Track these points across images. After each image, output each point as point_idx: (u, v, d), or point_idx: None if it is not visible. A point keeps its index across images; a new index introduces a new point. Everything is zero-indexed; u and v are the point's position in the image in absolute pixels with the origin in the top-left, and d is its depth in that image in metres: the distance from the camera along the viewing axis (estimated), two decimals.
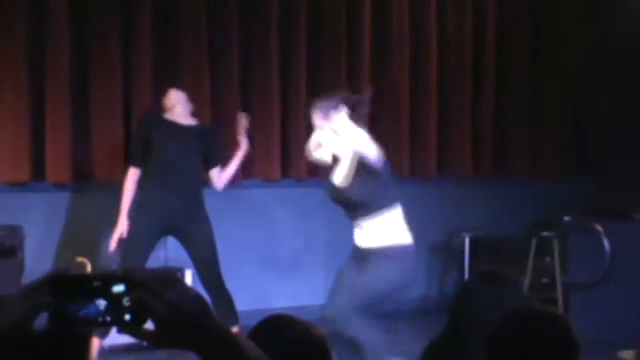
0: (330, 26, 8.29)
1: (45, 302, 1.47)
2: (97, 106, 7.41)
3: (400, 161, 8.55)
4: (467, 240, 8.66)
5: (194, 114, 6.55)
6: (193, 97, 7.64)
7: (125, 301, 1.46)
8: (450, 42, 8.90)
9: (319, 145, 5.45)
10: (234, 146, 6.66)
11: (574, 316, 7.38)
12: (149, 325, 1.46)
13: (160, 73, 7.59)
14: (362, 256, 5.29)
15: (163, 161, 6.22)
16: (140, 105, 7.50)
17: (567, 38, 9.42)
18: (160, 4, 7.62)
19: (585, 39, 9.45)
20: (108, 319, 1.47)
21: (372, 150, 5.27)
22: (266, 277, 8.12)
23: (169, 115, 6.38)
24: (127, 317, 1.46)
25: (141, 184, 6.30)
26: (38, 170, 7.23)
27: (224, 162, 6.56)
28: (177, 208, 6.20)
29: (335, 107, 5.29)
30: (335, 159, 5.41)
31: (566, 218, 8.05)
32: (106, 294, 1.47)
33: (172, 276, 1.47)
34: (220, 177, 6.52)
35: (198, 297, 1.46)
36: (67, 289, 1.47)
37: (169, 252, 7.70)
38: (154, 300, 1.43)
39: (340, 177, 5.34)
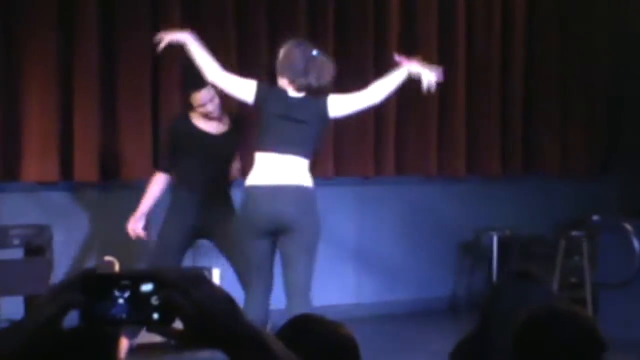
0: (357, 23, 8.28)
1: (74, 301, 1.47)
2: (125, 105, 7.43)
3: (428, 160, 8.53)
4: (495, 240, 8.62)
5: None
6: (221, 94, 7.67)
7: (154, 300, 1.46)
8: (478, 38, 8.86)
9: None
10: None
11: (602, 316, 7.34)
12: (177, 324, 1.46)
13: None
14: None
15: (192, 167, 6.23)
16: (168, 105, 7.51)
17: (597, 36, 9.36)
18: (189, 2, 7.63)
19: (616, 37, 9.39)
20: (136, 317, 1.47)
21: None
22: None
23: (197, 117, 6.35)
24: (155, 316, 1.46)
25: (171, 190, 6.32)
26: (66, 169, 7.26)
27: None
28: (207, 212, 6.21)
29: None
30: None
31: (595, 217, 8.01)
32: (135, 292, 1.47)
33: (201, 276, 1.47)
34: (236, 169, 6.53)
35: (226, 296, 1.45)
36: (96, 288, 1.48)
37: (197, 251, 7.72)
38: (182, 300, 1.42)
39: None
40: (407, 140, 8.59)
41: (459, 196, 8.74)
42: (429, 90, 5.86)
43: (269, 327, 6.01)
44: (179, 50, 7.54)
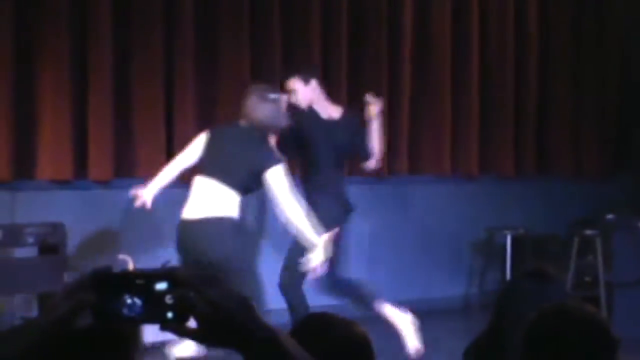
0: (372, 26, 8.27)
1: (88, 299, 1.47)
2: (139, 104, 7.45)
3: (442, 159, 8.52)
4: (508, 239, 8.61)
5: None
6: (234, 94, 7.66)
7: (168, 299, 1.46)
8: (491, 39, 8.85)
9: None
10: None
11: (616, 314, 7.32)
12: (191, 323, 1.46)
13: (202, 71, 7.62)
14: None
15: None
16: (181, 103, 7.52)
17: (610, 36, 9.33)
18: (202, 3, 7.64)
19: (629, 37, 9.36)
20: (150, 316, 1.48)
21: None
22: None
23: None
24: (169, 315, 1.47)
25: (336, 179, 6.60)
26: (80, 168, 7.28)
27: None
28: None
29: None
30: None
31: (609, 216, 7.99)
32: (149, 291, 1.47)
33: (215, 275, 1.47)
34: None
35: (240, 295, 1.46)
36: (111, 287, 1.48)
37: None
38: (196, 299, 1.43)
39: None
40: (421, 139, 8.58)
41: (473, 195, 8.73)
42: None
43: None
44: (192, 48, 7.58)
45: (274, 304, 6.07)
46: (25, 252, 6.65)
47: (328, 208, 6.37)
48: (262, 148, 5.81)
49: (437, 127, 8.57)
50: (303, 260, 5.92)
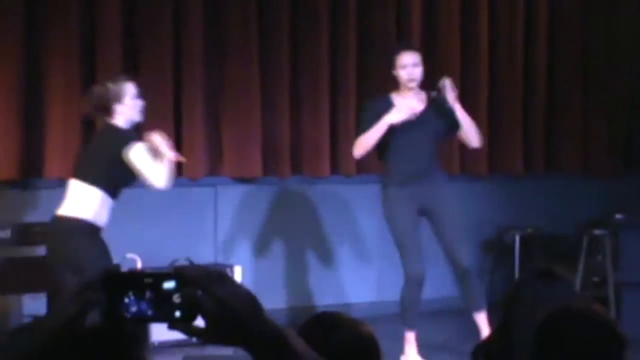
0: (380, 21, 8.26)
1: (97, 298, 1.48)
2: (148, 102, 7.43)
3: (451, 158, 8.50)
4: (517, 238, 8.59)
5: None
6: (242, 90, 7.68)
7: (176, 298, 1.47)
8: (501, 38, 8.83)
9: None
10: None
11: (625, 315, 7.31)
12: (199, 322, 1.47)
13: (210, 73, 7.62)
14: None
15: None
16: (190, 105, 7.53)
17: (620, 33, 9.31)
18: (210, 2, 7.65)
19: (638, 36, 9.33)
20: (158, 315, 1.48)
21: None
22: (313, 274, 8.13)
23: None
24: (177, 313, 1.47)
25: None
26: None
27: None
28: None
29: None
30: None
31: (618, 216, 7.97)
32: (157, 290, 1.48)
33: (223, 273, 1.47)
34: None
35: (248, 294, 1.46)
36: (119, 286, 1.48)
37: (219, 248, 7.75)
38: (204, 298, 1.43)
39: None
40: None
41: (481, 195, 8.72)
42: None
43: None
44: (200, 46, 7.59)
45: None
46: (34, 250, 6.67)
47: None
48: (112, 133, 5.59)
49: None
50: None
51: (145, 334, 1.61)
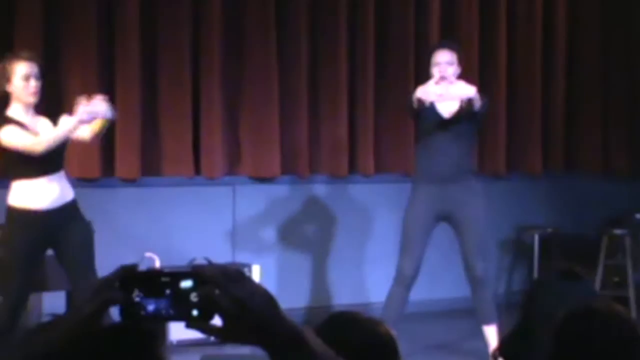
0: (398, 20, 8.25)
1: (114, 297, 1.48)
2: (166, 102, 7.47)
3: None
4: (536, 238, 8.57)
5: None
6: (261, 90, 7.67)
7: (193, 297, 1.47)
8: (519, 37, 8.81)
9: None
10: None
11: None
12: (216, 320, 1.46)
13: (229, 70, 7.63)
14: None
15: None
16: (209, 101, 7.54)
17: (638, 34, 9.27)
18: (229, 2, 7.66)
19: None
20: (176, 314, 1.48)
21: None
22: (332, 273, 8.12)
23: None
24: (194, 312, 1.47)
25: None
26: (107, 166, 7.31)
27: None
28: None
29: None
30: None
31: (638, 215, 7.94)
32: (175, 289, 1.48)
33: (240, 272, 1.47)
34: None
35: (266, 293, 1.45)
36: (137, 285, 1.48)
37: (237, 247, 7.75)
38: (221, 296, 1.43)
39: None
40: None
41: (500, 194, 8.69)
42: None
43: None
44: (218, 45, 7.59)
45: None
46: None
47: None
48: None
49: None
50: None
51: (163, 333, 1.61)
